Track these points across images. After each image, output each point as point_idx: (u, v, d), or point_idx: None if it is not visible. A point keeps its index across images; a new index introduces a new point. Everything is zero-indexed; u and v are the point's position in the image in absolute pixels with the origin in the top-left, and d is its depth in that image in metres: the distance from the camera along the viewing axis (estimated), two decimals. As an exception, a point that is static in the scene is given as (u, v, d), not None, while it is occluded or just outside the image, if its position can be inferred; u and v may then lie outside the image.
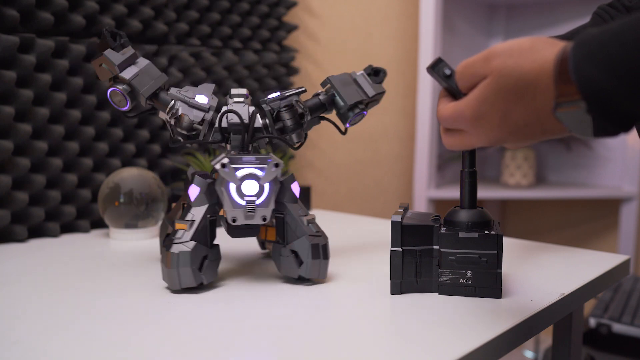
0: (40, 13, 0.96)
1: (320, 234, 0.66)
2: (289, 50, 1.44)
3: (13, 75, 0.91)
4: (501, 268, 0.60)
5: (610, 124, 0.40)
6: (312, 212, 1.23)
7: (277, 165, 0.64)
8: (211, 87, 0.71)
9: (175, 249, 0.62)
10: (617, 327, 1.25)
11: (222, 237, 0.96)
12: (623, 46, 0.37)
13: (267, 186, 0.64)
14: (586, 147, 1.88)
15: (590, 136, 0.42)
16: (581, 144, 1.89)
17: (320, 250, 0.65)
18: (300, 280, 0.68)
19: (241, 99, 0.70)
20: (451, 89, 0.51)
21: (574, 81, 0.39)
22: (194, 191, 0.65)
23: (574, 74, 0.39)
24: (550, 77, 0.41)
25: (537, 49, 0.43)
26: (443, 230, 0.62)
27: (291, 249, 0.66)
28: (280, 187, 0.67)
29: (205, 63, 1.23)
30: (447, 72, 0.52)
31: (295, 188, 0.67)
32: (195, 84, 1.21)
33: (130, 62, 0.69)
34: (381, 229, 1.02)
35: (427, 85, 1.67)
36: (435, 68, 0.53)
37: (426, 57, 1.65)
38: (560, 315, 0.63)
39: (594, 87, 0.38)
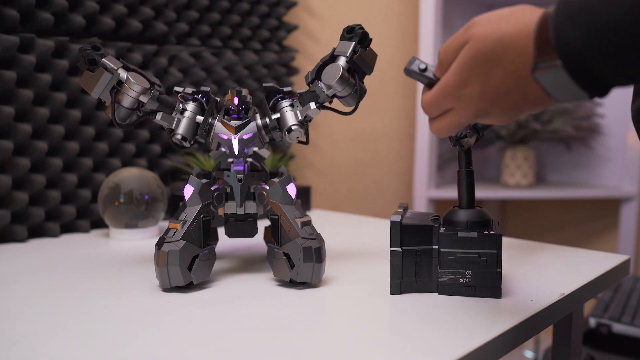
0: (40, 13, 0.96)
1: (314, 237, 0.65)
2: (289, 50, 1.44)
3: (13, 75, 0.91)
4: (501, 267, 0.60)
5: (586, 87, 0.40)
6: (312, 212, 1.23)
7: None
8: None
9: (166, 247, 0.62)
10: (617, 327, 1.25)
11: (222, 237, 0.96)
12: (604, 9, 0.37)
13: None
14: (586, 147, 1.88)
15: (568, 100, 0.42)
16: (581, 144, 1.89)
17: (313, 253, 0.63)
18: (294, 283, 0.67)
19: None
20: (430, 82, 0.52)
21: (552, 41, 0.40)
22: (188, 191, 0.66)
23: (553, 33, 0.40)
24: (531, 38, 0.42)
25: (516, 15, 0.44)
26: (442, 230, 0.62)
27: (284, 252, 0.65)
28: (276, 189, 0.67)
29: (205, 63, 1.23)
30: (422, 66, 0.52)
31: (291, 189, 0.67)
32: (195, 84, 1.21)
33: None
34: (381, 229, 1.02)
35: (427, 85, 1.66)
36: (411, 66, 0.53)
37: (426, 57, 1.65)
38: (560, 315, 0.63)
39: (571, 47, 0.39)
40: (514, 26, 0.43)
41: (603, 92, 0.41)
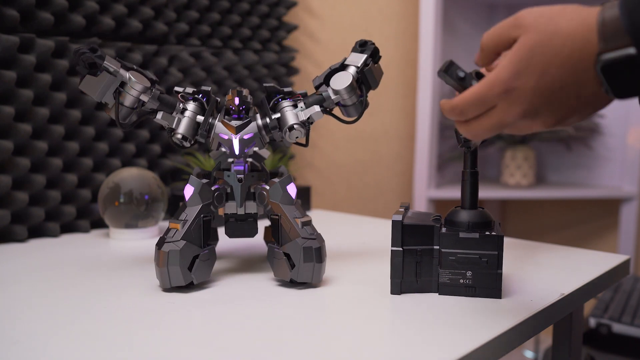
0: (40, 13, 0.96)
1: (314, 237, 0.65)
2: (289, 50, 1.44)
3: (13, 75, 0.91)
4: (501, 269, 0.60)
5: None
6: (312, 212, 1.23)
7: None
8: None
9: (166, 247, 0.62)
10: (617, 327, 1.25)
11: (222, 237, 0.96)
12: None
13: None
14: (586, 147, 1.88)
15: (625, 96, 0.40)
16: (581, 144, 1.89)
17: (314, 253, 0.63)
18: (294, 283, 0.67)
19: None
20: (464, 84, 0.50)
21: (625, 27, 0.38)
22: (188, 191, 0.66)
23: (626, 18, 0.38)
24: (593, 30, 0.40)
25: (571, 9, 0.43)
26: (444, 230, 0.62)
27: (284, 252, 0.65)
28: (276, 189, 0.67)
29: (205, 63, 1.23)
30: (461, 74, 0.50)
31: (292, 189, 0.67)
32: (195, 84, 1.21)
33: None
34: (381, 229, 1.02)
35: (427, 85, 1.67)
36: (449, 71, 0.51)
37: (426, 57, 1.65)
38: (560, 315, 0.63)
39: None
40: (571, 20, 0.42)
41: None
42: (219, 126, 0.70)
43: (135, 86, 0.67)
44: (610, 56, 0.40)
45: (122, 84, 0.67)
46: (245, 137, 0.70)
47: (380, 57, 0.73)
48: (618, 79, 0.40)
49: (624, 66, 0.39)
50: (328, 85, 0.71)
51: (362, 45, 0.72)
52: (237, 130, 0.69)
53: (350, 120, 0.71)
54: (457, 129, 0.50)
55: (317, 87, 0.72)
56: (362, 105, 0.71)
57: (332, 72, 0.71)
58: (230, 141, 0.69)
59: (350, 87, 0.69)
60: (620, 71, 0.40)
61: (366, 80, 0.71)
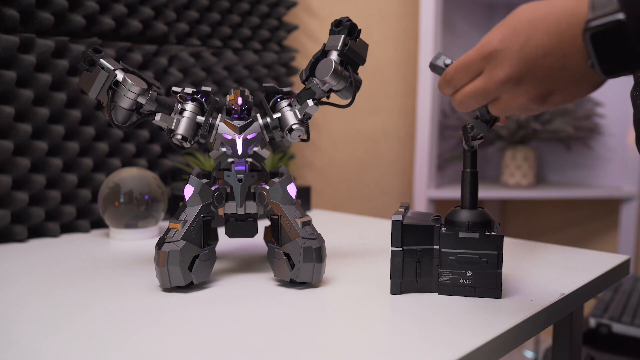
0: (40, 13, 0.96)
1: (314, 237, 0.65)
2: (289, 50, 1.44)
3: (13, 75, 0.91)
4: (501, 269, 0.60)
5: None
6: (312, 212, 1.23)
7: None
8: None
9: (166, 247, 0.62)
10: (617, 327, 1.25)
11: (222, 237, 0.96)
12: None
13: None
14: (586, 147, 1.88)
15: (611, 71, 0.40)
16: (581, 144, 1.89)
17: (314, 253, 0.64)
18: (294, 283, 0.67)
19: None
20: None
21: None
22: (188, 191, 0.66)
23: None
24: (584, 1, 0.41)
25: None
26: (444, 230, 0.62)
27: (284, 252, 0.65)
28: (276, 189, 0.67)
29: (205, 63, 1.22)
30: (448, 61, 0.51)
31: (292, 189, 0.67)
32: (195, 84, 1.21)
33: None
34: (381, 229, 1.02)
35: (427, 85, 1.67)
36: (437, 62, 0.52)
37: (426, 56, 1.65)
38: (560, 315, 0.63)
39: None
40: None
41: None
42: (221, 126, 0.70)
43: (132, 88, 0.67)
44: (598, 22, 0.39)
45: (117, 84, 0.67)
46: (249, 137, 0.70)
47: (359, 30, 0.70)
48: (605, 48, 0.40)
49: (612, 33, 0.39)
50: (314, 76, 0.70)
51: (337, 26, 0.70)
52: (241, 130, 0.69)
53: (346, 104, 0.69)
54: (452, 102, 0.50)
55: (304, 81, 0.71)
56: (352, 86, 0.69)
57: (316, 61, 0.70)
58: (233, 141, 0.70)
59: (335, 73, 0.67)
60: (607, 39, 0.39)
61: (350, 59, 0.69)
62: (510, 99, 0.46)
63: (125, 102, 0.67)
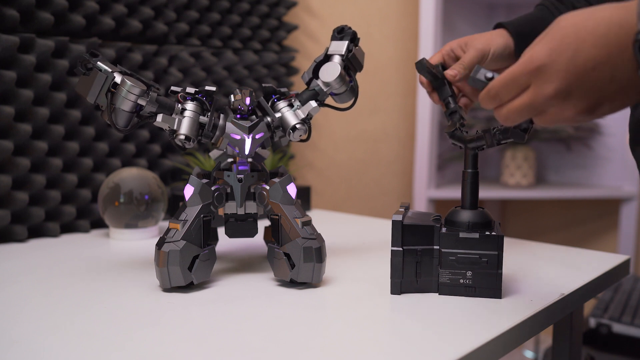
0: (40, 13, 0.96)
1: (314, 237, 0.65)
2: (289, 50, 1.44)
3: (13, 75, 0.91)
4: (501, 269, 0.60)
5: None
6: (312, 212, 1.23)
7: None
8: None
9: (166, 247, 0.62)
10: (617, 327, 1.25)
11: (222, 237, 0.96)
12: None
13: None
14: (586, 147, 1.88)
15: None
16: (581, 144, 1.89)
17: (314, 253, 0.64)
18: (294, 283, 0.67)
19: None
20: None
21: None
22: (188, 191, 0.66)
23: None
24: (631, 11, 0.40)
25: (603, 6, 0.43)
26: (444, 230, 0.62)
27: (284, 252, 0.65)
28: (276, 189, 0.67)
29: (205, 63, 1.23)
30: (489, 75, 0.51)
31: (292, 189, 0.67)
32: (195, 84, 1.21)
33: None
34: (381, 229, 1.02)
35: (427, 85, 1.66)
36: (477, 75, 0.51)
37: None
38: (560, 315, 0.63)
39: None
40: (605, 8, 0.42)
41: None
42: (229, 126, 0.69)
43: (132, 89, 0.65)
44: None
45: (115, 86, 0.66)
46: (257, 136, 0.70)
47: (359, 39, 0.74)
48: None
49: None
50: (317, 78, 0.72)
51: (340, 32, 0.73)
52: (250, 130, 0.69)
53: (345, 107, 0.73)
54: (495, 116, 0.50)
55: (308, 83, 0.73)
56: (353, 90, 0.72)
57: (318, 64, 0.72)
58: (242, 141, 0.69)
59: (340, 77, 0.71)
60: None
61: (352, 65, 0.73)
62: (558, 112, 0.45)
63: (125, 105, 0.66)
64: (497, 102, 0.48)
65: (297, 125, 0.70)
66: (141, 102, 0.67)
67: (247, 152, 0.70)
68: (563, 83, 0.43)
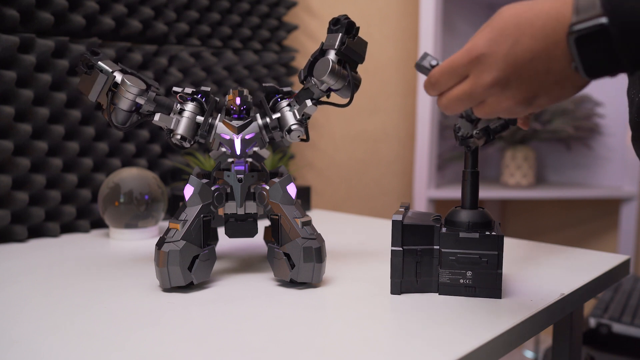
0: (40, 13, 0.96)
1: (314, 237, 0.65)
2: (289, 50, 1.44)
3: (13, 75, 0.91)
4: (501, 269, 0.60)
5: (625, 52, 0.39)
6: (312, 212, 1.23)
7: None
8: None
9: (166, 247, 0.62)
10: (617, 327, 1.25)
11: (222, 237, 0.96)
12: None
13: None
14: (586, 147, 1.88)
15: (594, 73, 0.40)
16: (581, 144, 1.89)
17: (314, 253, 0.64)
18: (294, 283, 0.67)
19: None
20: None
21: None
22: (188, 191, 0.66)
23: None
24: (567, 4, 0.41)
25: None
26: (444, 230, 0.62)
27: (284, 252, 0.65)
28: (276, 189, 0.67)
29: (205, 63, 1.22)
30: (434, 62, 0.52)
31: (292, 189, 0.67)
32: (195, 84, 1.21)
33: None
34: (381, 229, 1.02)
35: (427, 85, 1.66)
36: (423, 62, 0.53)
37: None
38: (560, 315, 0.63)
39: (619, 2, 0.38)
40: (547, 0, 0.43)
41: (634, 67, 0.40)
42: (220, 126, 0.70)
43: (130, 89, 0.67)
44: (582, 26, 0.40)
45: (116, 85, 0.67)
46: (247, 137, 0.70)
47: (357, 28, 0.69)
48: (588, 51, 0.40)
49: (594, 37, 0.40)
50: (312, 76, 0.69)
51: (335, 24, 0.68)
52: (239, 130, 0.69)
53: (344, 104, 0.69)
54: (438, 105, 0.51)
55: (303, 81, 0.70)
56: (350, 85, 0.68)
57: (314, 60, 0.69)
58: (232, 141, 0.69)
59: (332, 73, 0.66)
60: (591, 43, 0.40)
61: (349, 58, 0.68)
62: (496, 102, 0.46)
63: (123, 104, 0.68)
64: (438, 90, 0.49)
65: (293, 127, 0.69)
66: (140, 100, 0.68)
67: (237, 152, 0.70)
68: (501, 73, 0.44)
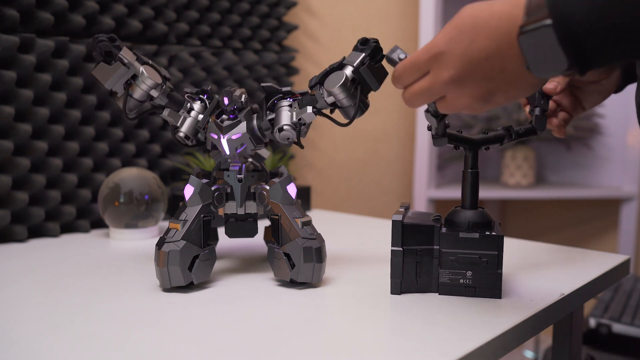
0: (40, 13, 0.96)
1: (314, 237, 0.65)
2: (289, 50, 1.44)
3: (13, 75, 0.91)
4: (501, 269, 0.60)
5: (568, 51, 0.40)
6: (312, 212, 1.23)
7: None
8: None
9: (166, 247, 0.62)
10: (617, 327, 1.25)
11: (222, 237, 0.96)
12: None
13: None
14: (586, 147, 1.88)
15: (544, 71, 0.42)
16: (581, 144, 1.89)
17: (314, 253, 0.64)
18: (294, 283, 0.67)
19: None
20: None
21: (545, 1, 0.41)
22: (188, 191, 0.66)
23: None
24: (520, 6, 0.43)
25: None
26: (444, 230, 0.62)
27: (284, 252, 0.65)
28: (276, 189, 0.67)
29: (205, 63, 1.22)
30: (402, 55, 0.53)
31: (292, 189, 0.67)
32: (196, 84, 1.21)
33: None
34: (381, 229, 1.02)
35: (427, 85, 1.66)
36: (392, 55, 0.54)
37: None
38: (560, 315, 0.63)
39: (563, 6, 0.40)
40: (503, 1, 0.45)
41: (583, 68, 0.42)
42: (211, 126, 0.70)
43: (147, 81, 0.68)
44: (529, 27, 0.42)
45: (134, 76, 0.68)
46: (234, 137, 0.69)
47: (382, 56, 0.67)
48: (537, 52, 0.42)
49: (540, 38, 0.41)
50: (323, 85, 0.67)
51: (363, 44, 0.67)
52: (226, 130, 0.69)
53: (344, 123, 0.67)
54: (402, 98, 0.53)
55: (312, 87, 0.69)
56: (355, 108, 0.66)
57: (331, 71, 0.67)
58: (218, 141, 0.70)
59: (343, 87, 0.65)
60: (538, 44, 0.41)
61: (363, 80, 0.66)
62: (455, 98, 0.48)
63: (137, 93, 0.69)
64: (402, 84, 0.51)
65: (285, 127, 0.67)
66: (153, 93, 0.69)
67: (226, 152, 0.70)
68: (458, 71, 0.46)
